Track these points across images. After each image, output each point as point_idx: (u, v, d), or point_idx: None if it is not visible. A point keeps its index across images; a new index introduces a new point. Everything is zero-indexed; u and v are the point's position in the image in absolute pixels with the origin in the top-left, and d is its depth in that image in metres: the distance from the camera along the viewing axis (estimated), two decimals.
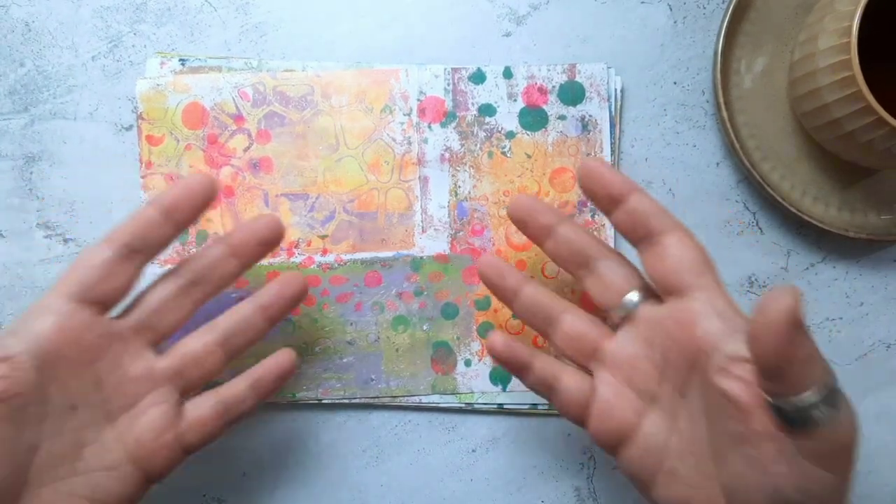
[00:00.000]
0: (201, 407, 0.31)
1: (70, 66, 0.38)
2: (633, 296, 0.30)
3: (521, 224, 0.32)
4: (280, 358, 0.32)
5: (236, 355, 0.32)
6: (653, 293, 0.30)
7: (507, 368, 0.32)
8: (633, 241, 0.30)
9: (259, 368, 0.32)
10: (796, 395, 0.22)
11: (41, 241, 0.37)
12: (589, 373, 0.31)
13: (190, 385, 0.31)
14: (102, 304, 0.29)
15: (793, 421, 0.22)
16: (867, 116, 0.31)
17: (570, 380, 0.31)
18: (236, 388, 0.31)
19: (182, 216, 0.29)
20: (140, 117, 0.37)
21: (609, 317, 0.31)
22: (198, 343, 0.31)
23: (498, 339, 0.31)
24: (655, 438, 0.28)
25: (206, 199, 0.30)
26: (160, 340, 0.31)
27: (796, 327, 0.21)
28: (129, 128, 0.37)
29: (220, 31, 0.38)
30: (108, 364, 0.29)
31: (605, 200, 0.29)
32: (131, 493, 0.29)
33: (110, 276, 0.28)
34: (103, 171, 0.37)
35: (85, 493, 0.28)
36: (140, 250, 0.29)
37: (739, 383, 0.24)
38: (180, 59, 0.37)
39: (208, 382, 0.31)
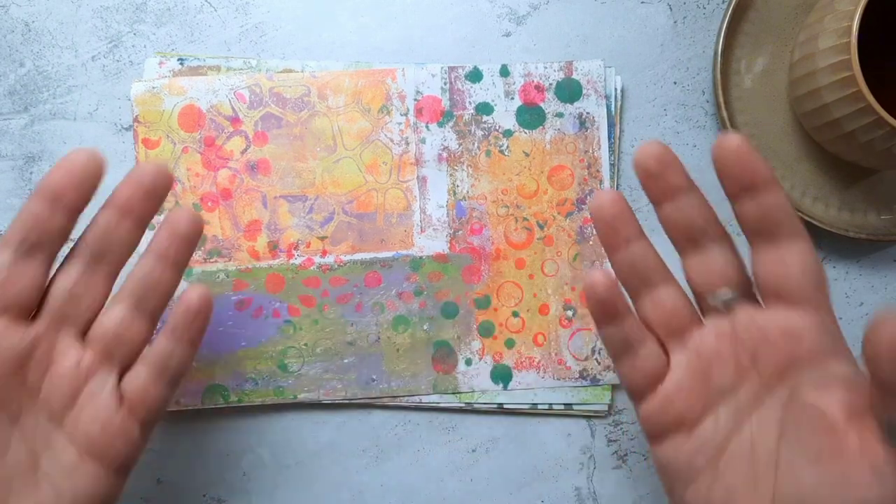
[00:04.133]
0: (136, 378, 0.29)
1: (70, 66, 0.38)
2: (728, 292, 0.28)
3: (648, 176, 0.28)
4: (187, 296, 0.29)
5: (159, 315, 0.30)
6: (750, 293, 0.28)
7: (600, 311, 0.29)
8: (752, 236, 0.28)
9: (172, 317, 0.29)
10: None
11: None
12: (665, 352, 0.29)
13: (126, 361, 0.29)
14: (15, 309, 0.27)
15: None
16: (867, 116, 0.31)
17: (651, 350, 0.29)
18: (158, 344, 0.29)
19: (71, 201, 0.27)
20: (136, 120, 0.37)
21: (701, 302, 0.29)
22: (113, 318, 0.29)
23: (601, 278, 0.28)
24: (714, 437, 0.27)
25: (93, 177, 0.28)
26: (87, 327, 0.29)
27: None
28: (129, 128, 0.38)
29: (220, 31, 0.38)
30: (36, 368, 0.28)
31: (735, 187, 0.27)
32: (103, 488, 0.28)
33: (14, 280, 0.27)
34: None
35: (50, 502, 0.27)
36: (38, 244, 0.27)
37: (836, 402, 0.24)
38: (179, 59, 0.37)
39: (142, 350, 0.30)
